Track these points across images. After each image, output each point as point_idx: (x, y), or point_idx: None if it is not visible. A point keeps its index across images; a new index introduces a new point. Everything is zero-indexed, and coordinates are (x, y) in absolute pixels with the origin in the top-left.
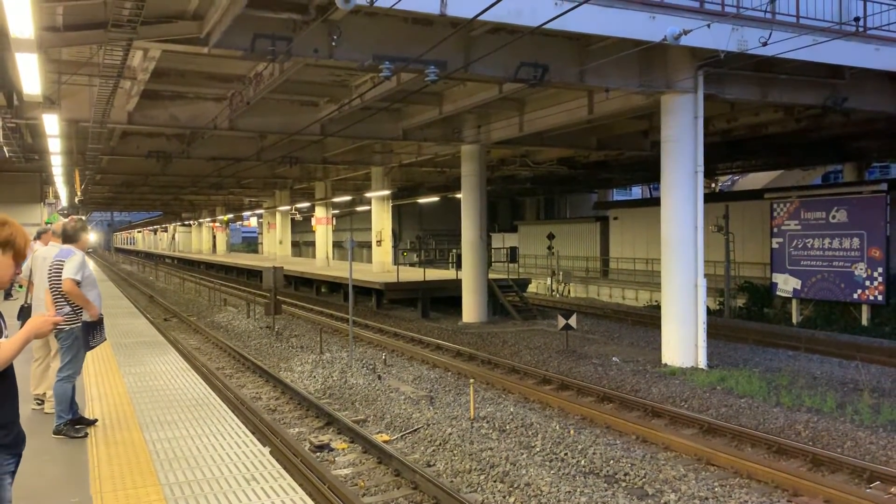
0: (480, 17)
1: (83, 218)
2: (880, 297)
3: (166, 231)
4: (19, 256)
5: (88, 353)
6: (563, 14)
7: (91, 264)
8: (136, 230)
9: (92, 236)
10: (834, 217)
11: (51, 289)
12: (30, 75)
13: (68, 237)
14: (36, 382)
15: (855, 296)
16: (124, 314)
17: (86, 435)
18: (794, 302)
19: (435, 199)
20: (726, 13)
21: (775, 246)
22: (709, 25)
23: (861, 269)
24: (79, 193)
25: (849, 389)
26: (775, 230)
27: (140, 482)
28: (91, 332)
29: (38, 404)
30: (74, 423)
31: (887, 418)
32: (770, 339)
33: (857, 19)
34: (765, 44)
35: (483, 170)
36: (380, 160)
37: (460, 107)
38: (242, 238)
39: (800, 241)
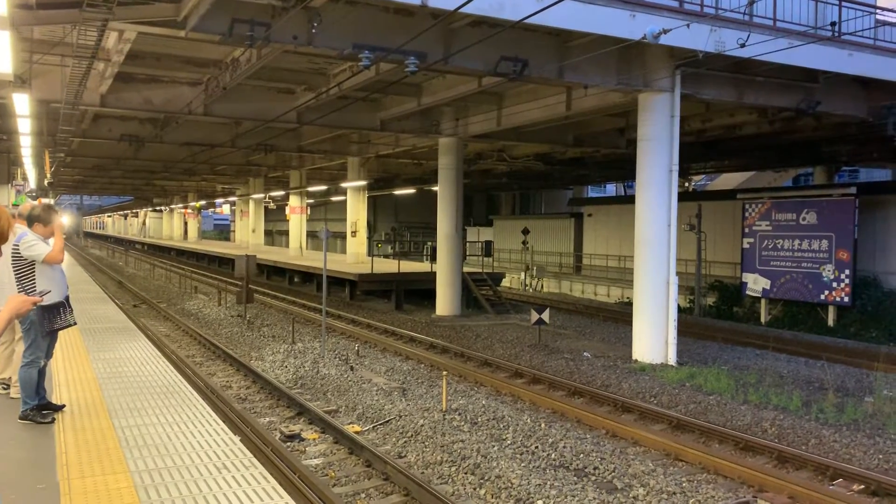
0: (462, 10)
1: (51, 203)
2: (846, 299)
3: (137, 216)
4: (2, 239)
5: (59, 337)
6: (544, 9)
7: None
8: (105, 215)
9: (65, 219)
10: (804, 219)
11: (14, 273)
12: (0, 53)
13: (28, 221)
14: (1, 367)
15: (822, 297)
16: (93, 299)
17: (53, 420)
18: (762, 302)
19: (411, 191)
20: (705, 14)
21: (746, 246)
22: (688, 25)
23: (829, 271)
24: (48, 176)
25: (814, 388)
26: (746, 230)
27: (109, 469)
28: (49, 316)
29: (4, 389)
30: (41, 409)
31: (850, 417)
32: (739, 337)
33: (833, 24)
34: (743, 45)
35: (460, 163)
36: (356, 150)
37: (439, 99)
38: (214, 225)
39: (770, 242)
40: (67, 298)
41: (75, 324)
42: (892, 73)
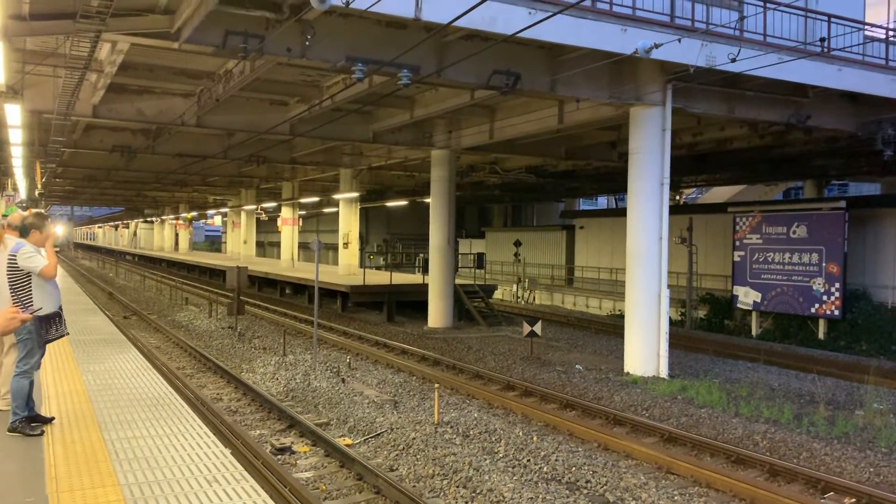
0: (455, 23)
1: (43, 212)
2: (837, 312)
3: (128, 227)
4: None
5: (47, 349)
6: (536, 24)
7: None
8: (96, 225)
9: (59, 229)
10: (794, 232)
11: (9, 285)
12: None
13: (22, 231)
14: None
15: (812, 310)
16: (83, 311)
17: (42, 433)
18: (753, 314)
19: (403, 202)
20: (696, 29)
21: (737, 259)
22: (679, 40)
23: (819, 284)
24: (39, 186)
25: (805, 401)
26: (737, 243)
27: (98, 482)
28: (46, 326)
29: None
30: (30, 421)
31: (841, 430)
32: (730, 350)
33: (822, 40)
34: (733, 60)
35: (453, 175)
36: (349, 162)
37: (432, 112)
38: (206, 237)
39: (761, 255)
40: (61, 308)
41: (67, 334)
42: (880, 89)
